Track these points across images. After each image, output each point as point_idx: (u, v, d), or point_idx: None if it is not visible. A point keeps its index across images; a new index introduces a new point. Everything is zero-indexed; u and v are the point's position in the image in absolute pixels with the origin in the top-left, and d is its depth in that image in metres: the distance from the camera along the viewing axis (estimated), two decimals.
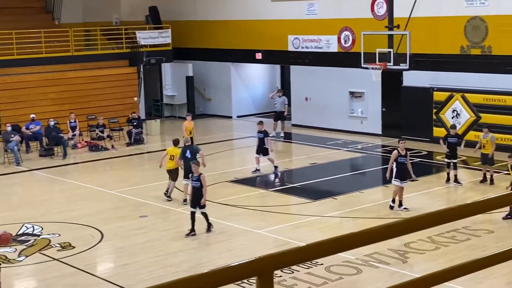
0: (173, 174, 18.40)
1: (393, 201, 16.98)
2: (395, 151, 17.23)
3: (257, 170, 21.22)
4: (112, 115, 29.06)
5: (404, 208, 16.87)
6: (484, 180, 19.17)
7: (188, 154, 18.05)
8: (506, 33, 23.07)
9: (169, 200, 18.31)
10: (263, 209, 17.52)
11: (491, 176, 18.98)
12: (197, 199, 15.43)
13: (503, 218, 15.78)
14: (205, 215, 15.57)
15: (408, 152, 17.59)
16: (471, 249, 14.07)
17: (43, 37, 29.36)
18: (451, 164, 19.25)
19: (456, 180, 19.19)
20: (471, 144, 21.51)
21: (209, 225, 15.63)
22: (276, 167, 21.25)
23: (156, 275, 13.22)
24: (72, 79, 29.53)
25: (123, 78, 30.92)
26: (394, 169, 16.96)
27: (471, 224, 15.09)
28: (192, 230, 15.43)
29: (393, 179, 16.99)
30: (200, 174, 15.54)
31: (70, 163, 24.20)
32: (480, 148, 19.30)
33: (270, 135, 27.35)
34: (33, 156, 24.91)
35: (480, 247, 14.14)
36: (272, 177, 21.31)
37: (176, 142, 18.83)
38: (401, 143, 17.48)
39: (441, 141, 19.82)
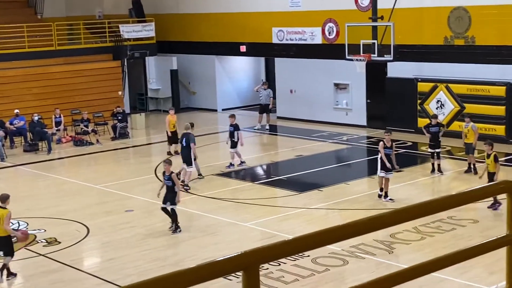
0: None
1: (381, 189, 17.13)
2: (382, 143, 17.30)
3: (242, 162, 21.21)
4: (96, 109, 28.95)
5: (390, 199, 16.97)
6: (468, 170, 19.27)
7: (183, 142, 18.72)
8: (489, 23, 23.16)
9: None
10: (250, 202, 17.53)
11: (474, 165, 19.06)
12: (169, 197, 15.38)
13: (488, 207, 15.88)
14: (174, 212, 15.34)
15: (394, 144, 17.66)
16: (456, 239, 14.15)
17: (26, 32, 29.16)
18: (435, 154, 19.35)
19: (439, 170, 19.31)
20: (455, 135, 21.65)
21: (177, 227, 15.30)
22: (242, 162, 21.22)
23: (143, 269, 13.19)
24: (55, 74, 29.37)
25: (107, 72, 30.79)
26: (379, 161, 17.04)
27: (456, 214, 15.17)
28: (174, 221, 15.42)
29: (379, 170, 17.10)
30: (172, 172, 15.48)
31: (54, 158, 24.09)
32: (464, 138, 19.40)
33: (255, 127, 27.49)
34: (18, 152, 24.78)
35: (465, 237, 14.22)
36: (258, 170, 21.30)
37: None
38: (386, 134, 17.56)
39: (423, 130, 19.98)
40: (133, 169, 22.00)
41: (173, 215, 15.33)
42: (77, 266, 13.65)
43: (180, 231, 15.25)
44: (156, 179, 20.30)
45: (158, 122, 30.56)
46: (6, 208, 12.78)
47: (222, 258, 2.15)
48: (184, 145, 18.70)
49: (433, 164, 19.49)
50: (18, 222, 16.44)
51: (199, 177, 19.79)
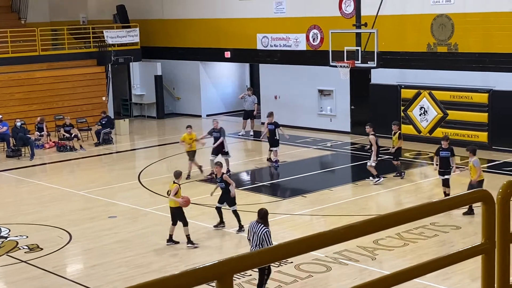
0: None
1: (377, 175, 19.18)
2: (373, 136, 19.34)
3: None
4: (80, 115, 28.86)
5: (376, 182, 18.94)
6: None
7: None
8: (472, 31, 23.32)
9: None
10: None
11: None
12: (225, 198, 15.68)
13: (464, 214, 15.92)
14: (236, 213, 15.51)
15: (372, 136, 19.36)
16: (438, 245, 14.22)
17: (9, 37, 29.02)
18: (444, 180, 17.31)
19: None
20: (438, 142, 21.74)
21: (241, 226, 15.48)
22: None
23: (126, 276, 13.15)
24: (39, 79, 29.25)
25: (91, 77, 30.70)
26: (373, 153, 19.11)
27: (439, 220, 15.24)
28: (221, 222, 15.76)
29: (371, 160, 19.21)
30: (223, 174, 15.84)
31: (37, 164, 23.97)
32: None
33: (239, 133, 27.50)
34: (0, 157, 24.62)
35: (447, 243, 14.30)
36: (242, 175, 21.30)
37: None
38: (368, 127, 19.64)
39: (434, 157, 17.93)
40: (116, 175, 21.93)
41: (236, 216, 15.45)
42: (59, 273, 13.58)
43: (244, 230, 15.18)
44: (140, 185, 20.26)
45: (142, 128, 30.53)
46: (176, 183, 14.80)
47: (196, 268, 2.15)
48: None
49: (444, 193, 17.20)
50: (0, 228, 16.34)
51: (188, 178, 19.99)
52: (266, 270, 11.60)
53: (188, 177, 20.21)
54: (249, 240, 12.04)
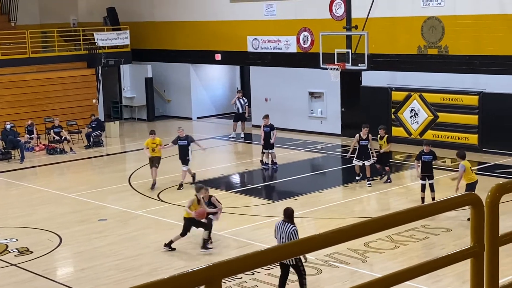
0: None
1: (358, 175, 19.39)
2: (357, 135, 19.43)
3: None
4: (70, 117, 28.77)
5: (368, 184, 19.11)
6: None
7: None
8: (462, 33, 23.39)
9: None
10: (223, 211, 17.44)
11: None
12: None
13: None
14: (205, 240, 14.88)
15: (370, 135, 19.37)
16: (429, 247, 14.24)
17: None
18: (427, 185, 17.10)
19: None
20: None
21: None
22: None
23: (116, 279, 13.11)
24: (29, 82, 29.16)
25: (81, 80, 30.62)
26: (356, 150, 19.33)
27: (429, 223, 15.26)
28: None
29: (354, 159, 19.35)
30: (211, 196, 15.04)
31: (27, 166, 23.87)
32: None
33: (230, 136, 27.48)
34: None
35: (437, 246, 14.32)
36: (233, 178, 21.28)
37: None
38: (365, 128, 19.31)
39: (415, 162, 17.56)
40: (107, 177, 21.87)
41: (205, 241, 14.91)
42: (49, 276, 13.53)
43: (211, 243, 14.90)
44: (130, 187, 20.21)
45: (132, 130, 30.47)
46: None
47: (184, 272, 2.13)
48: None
49: (423, 199, 17.16)
50: None
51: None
52: (302, 268, 11.70)
53: (153, 186, 19.51)
54: (276, 238, 12.09)
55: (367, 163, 19.31)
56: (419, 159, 17.03)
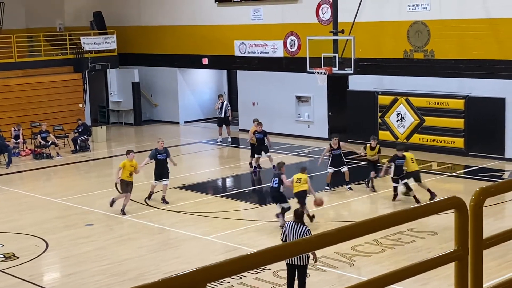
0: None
1: (327, 185, 19.42)
2: (328, 146, 19.78)
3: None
4: (57, 122, 28.66)
5: (349, 188, 19.32)
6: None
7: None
8: (448, 38, 23.51)
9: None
10: (211, 215, 17.48)
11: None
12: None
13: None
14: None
15: (340, 143, 19.74)
16: (415, 251, 14.27)
17: None
18: (398, 180, 18.04)
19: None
20: (415, 147, 21.83)
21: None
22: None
23: (103, 284, 13.07)
24: (15, 86, 29.04)
25: (68, 84, 30.53)
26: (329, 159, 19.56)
27: (416, 226, 15.31)
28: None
29: (328, 166, 19.53)
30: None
31: (14, 171, 23.76)
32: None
33: (217, 140, 27.48)
34: None
35: (424, 249, 14.36)
36: (220, 182, 21.25)
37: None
38: (334, 138, 19.69)
39: (387, 164, 18.42)
40: (93, 182, 21.80)
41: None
42: (36, 282, 13.46)
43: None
44: (117, 192, 20.14)
45: (119, 135, 30.39)
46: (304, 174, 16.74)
47: (169, 277, 2.14)
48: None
49: (395, 195, 18.18)
50: None
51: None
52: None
53: (123, 212, 17.58)
54: (283, 241, 12.05)
55: (343, 169, 19.36)
56: (393, 162, 18.07)
